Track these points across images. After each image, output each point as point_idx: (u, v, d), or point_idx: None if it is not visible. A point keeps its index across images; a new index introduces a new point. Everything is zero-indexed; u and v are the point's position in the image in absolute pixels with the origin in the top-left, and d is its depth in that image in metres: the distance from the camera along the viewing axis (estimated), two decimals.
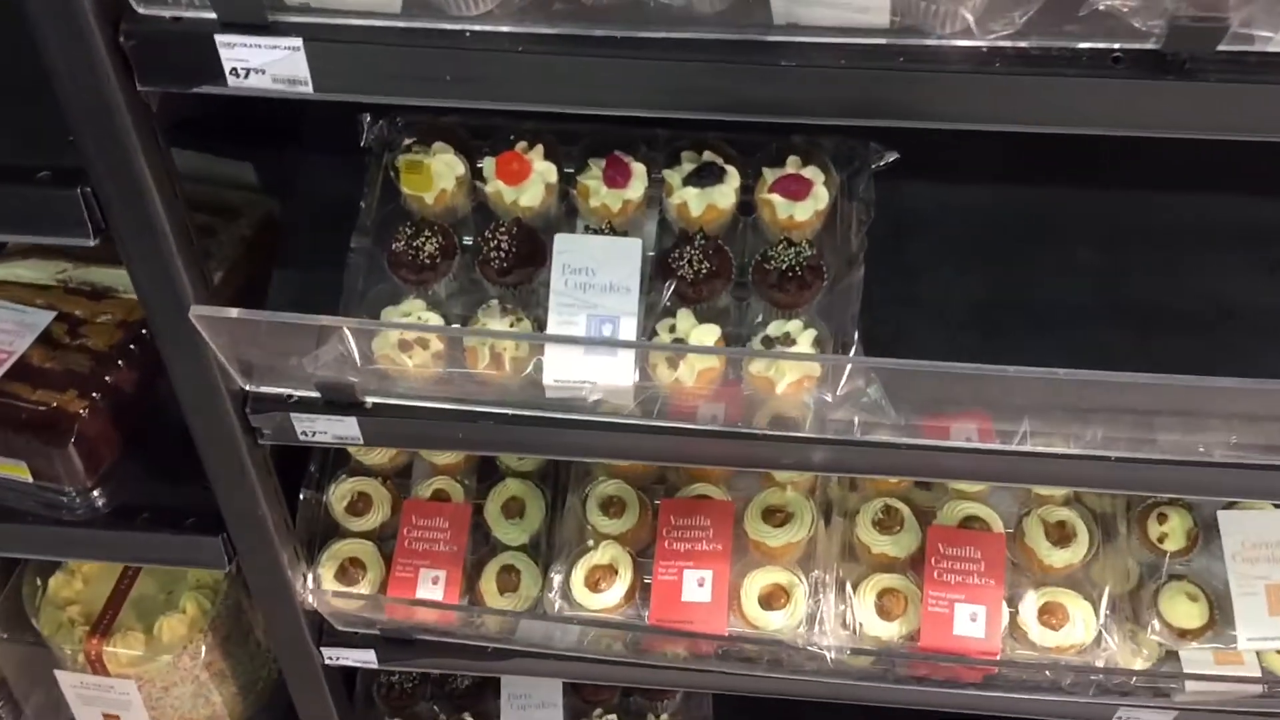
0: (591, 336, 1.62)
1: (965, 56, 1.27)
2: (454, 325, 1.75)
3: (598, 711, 2.43)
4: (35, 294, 2.14)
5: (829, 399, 1.62)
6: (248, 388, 1.76)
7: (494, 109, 1.42)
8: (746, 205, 1.78)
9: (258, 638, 2.51)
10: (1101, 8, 1.21)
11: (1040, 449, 1.65)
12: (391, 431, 1.79)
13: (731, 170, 1.76)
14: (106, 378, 2.02)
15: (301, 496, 2.16)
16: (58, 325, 2.08)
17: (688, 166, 1.77)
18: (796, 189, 1.73)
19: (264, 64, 1.36)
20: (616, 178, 1.76)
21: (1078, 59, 1.26)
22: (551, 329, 1.68)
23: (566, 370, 1.65)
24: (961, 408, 1.64)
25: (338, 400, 1.77)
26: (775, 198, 1.73)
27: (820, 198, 1.73)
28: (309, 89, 1.38)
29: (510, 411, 1.73)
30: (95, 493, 2.00)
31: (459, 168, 1.80)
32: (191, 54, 1.37)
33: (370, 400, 1.76)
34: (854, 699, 2.04)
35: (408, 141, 1.82)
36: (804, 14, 1.27)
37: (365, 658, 2.19)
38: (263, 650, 2.53)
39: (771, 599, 1.93)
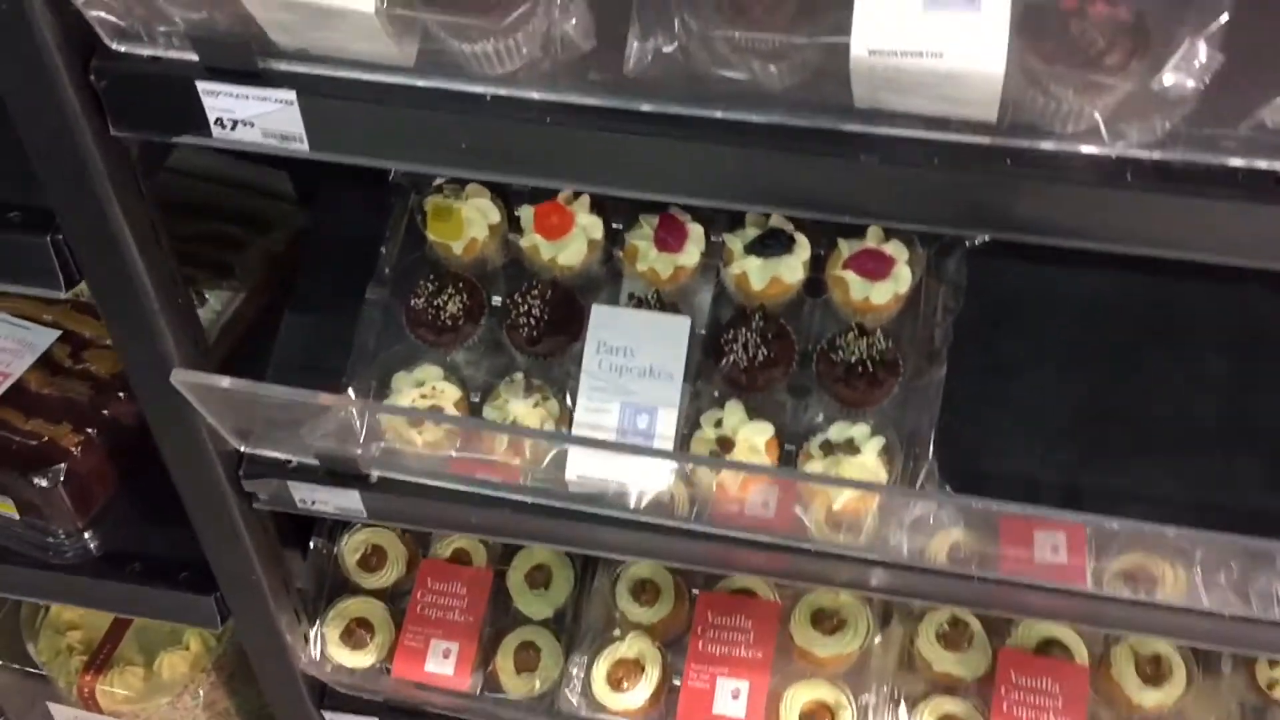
0: (621, 442, 1.40)
1: (1089, 165, 1.03)
2: (474, 395, 1.56)
3: None
4: (43, 308, 1.97)
5: (893, 522, 1.40)
6: (242, 449, 1.58)
7: None
8: (815, 282, 1.54)
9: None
10: (1270, 124, 0.96)
11: (1141, 598, 1.41)
12: (398, 510, 1.60)
13: (802, 239, 1.52)
14: (105, 410, 1.85)
15: (312, 545, 1.98)
16: (60, 347, 1.92)
17: (752, 232, 1.53)
18: (875, 267, 1.49)
19: (252, 116, 1.17)
20: (669, 239, 1.53)
21: (1232, 179, 1.01)
22: (580, 415, 1.47)
23: (592, 469, 1.44)
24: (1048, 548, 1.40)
25: (340, 471, 1.58)
26: (850, 275, 1.49)
27: (902, 279, 1.49)
28: (304, 147, 1.18)
29: (529, 500, 1.52)
30: (86, 535, 1.84)
31: (493, 215, 1.59)
32: (171, 99, 1.17)
33: (375, 474, 1.57)
34: None
35: (438, 181, 1.62)
36: (892, 101, 1.03)
37: None
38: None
39: (814, 718, 1.71)
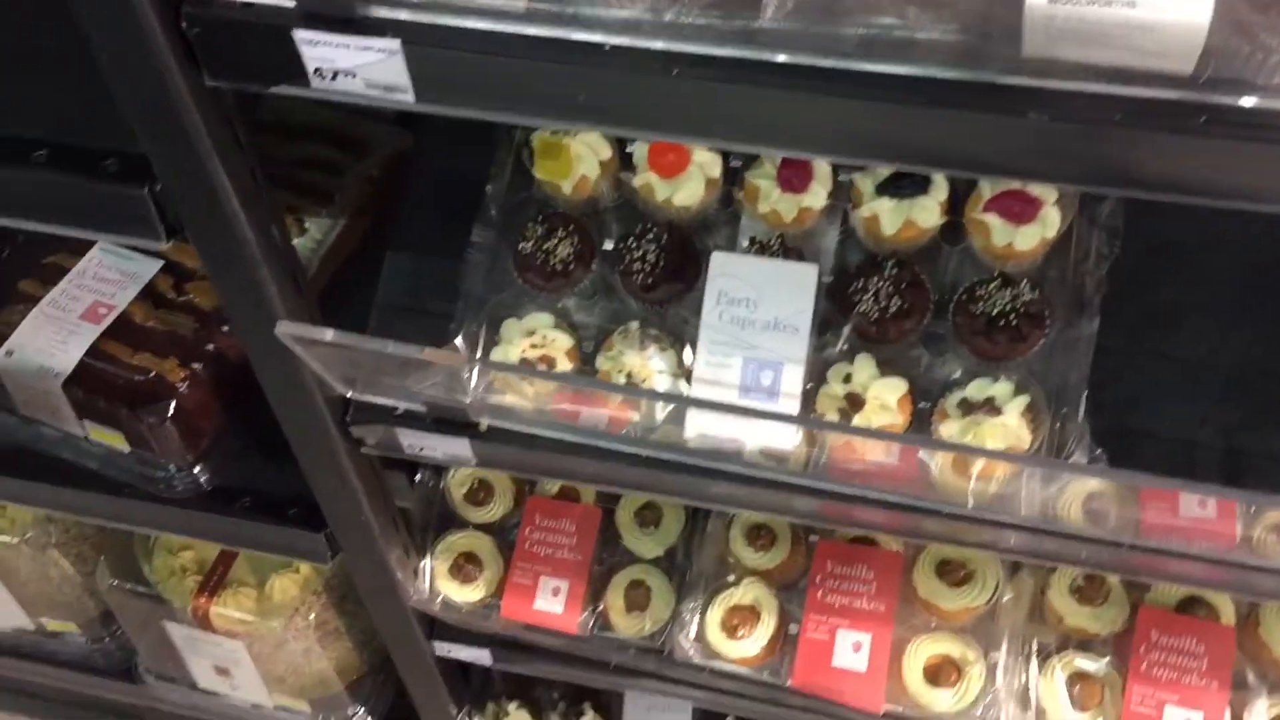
0: (743, 404, 1.32)
1: None
2: (586, 344, 1.48)
3: (730, 717, 2.21)
4: None
5: (1037, 489, 1.30)
6: (349, 395, 1.53)
7: None
8: (953, 226, 1.42)
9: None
10: None
11: None
12: (508, 459, 1.55)
13: (939, 179, 1.40)
14: (210, 344, 1.82)
15: (418, 478, 1.95)
16: (163, 278, 1.88)
17: (884, 171, 1.41)
18: (1021, 209, 1.37)
19: (354, 66, 1.08)
20: (794, 179, 1.42)
21: None
22: (700, 370, 1.39)
23: (712, 426, 1.36)
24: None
25: (448, 419, 1.52)
26: (992, 219, 1.37)
27: (1050, 222, 1.36)
28: (409, 98, 1.09)
29: (644, 453, 1.45)
30: (195, 469, 1.83)
31: (604, 151, 1.49)
32: (267, 48, 1.09)
33: (485, 423, 1.51)
34: None
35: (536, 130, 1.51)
36: (1068, 52, 0.90)
37: (479, 656, 2.01)
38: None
39: (939, 674, 1.64)
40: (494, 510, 1.95)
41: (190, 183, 1.22)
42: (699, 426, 1.36)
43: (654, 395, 1.35)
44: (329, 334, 1.34)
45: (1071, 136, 0.95)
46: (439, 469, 1.97)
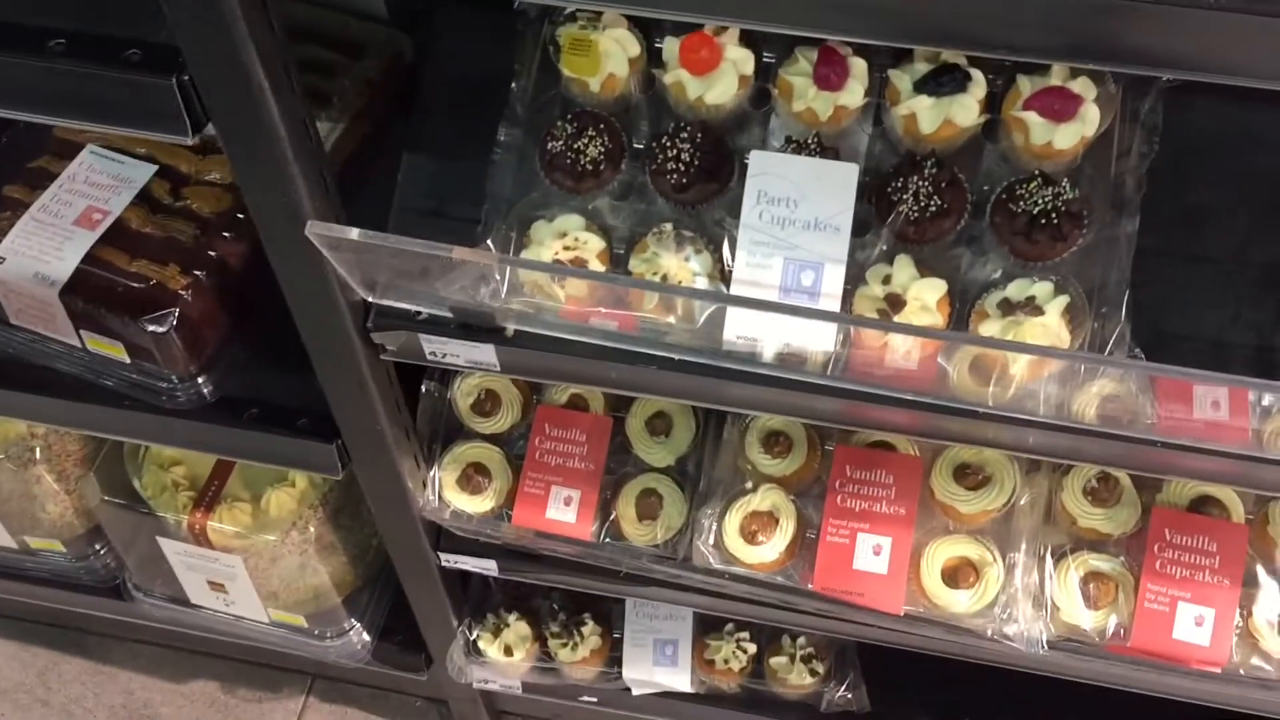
0: (788, 302, 1.30)
1: None
2: (618, 246, 1.46)
3: (729, 627, 2.23)
4: (135, 141, 1.86)
5: (1072, 389, 1.31)
6: (370, 299, 1.49)
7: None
8: (991, 124, 1.41)
9: (370, 506, 2.34)
10: None
11: None
12: (534, 364, 1.52)
13: (977, 75, 1.38)
14: (211, 251, 1.76)
15: (424, 388, 1.92)
16: (159, 183, 1.82)
17: (922, 67, 1.39)
18: (1061, 106, 1.36)
19: None
20: (830, 75, 1.40)
21: None
22: (739, 271, 1.37)
23: (753, 328, 1.35)
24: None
25: (474, 324, 1.50)
26: (1031, 116, 1.36)
27: (1090, 119, 1.36)
28: None
29: (675, 357, 1.44)
30: (199, 380, 1.78)
31: (633, 48, 1.46)
32: None
33: (512, 328, 1.49)
34: (1035, 667, 1.78)
35: (572, 8, 1.47)
36: None
37: (485, 566, 2.00)
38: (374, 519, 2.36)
39: (958, 575, 1.66)
40: (501, 421, 1.93)
41: (224, 73, 1.17)
42: (741, 328, 1.34)
43: (703, 294, 1.33)
44: (354, 233, 1.30)
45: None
46: (445, 380, 1.94)
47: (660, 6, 1.11)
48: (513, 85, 1.49)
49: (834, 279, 1.34)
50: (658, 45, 1.45)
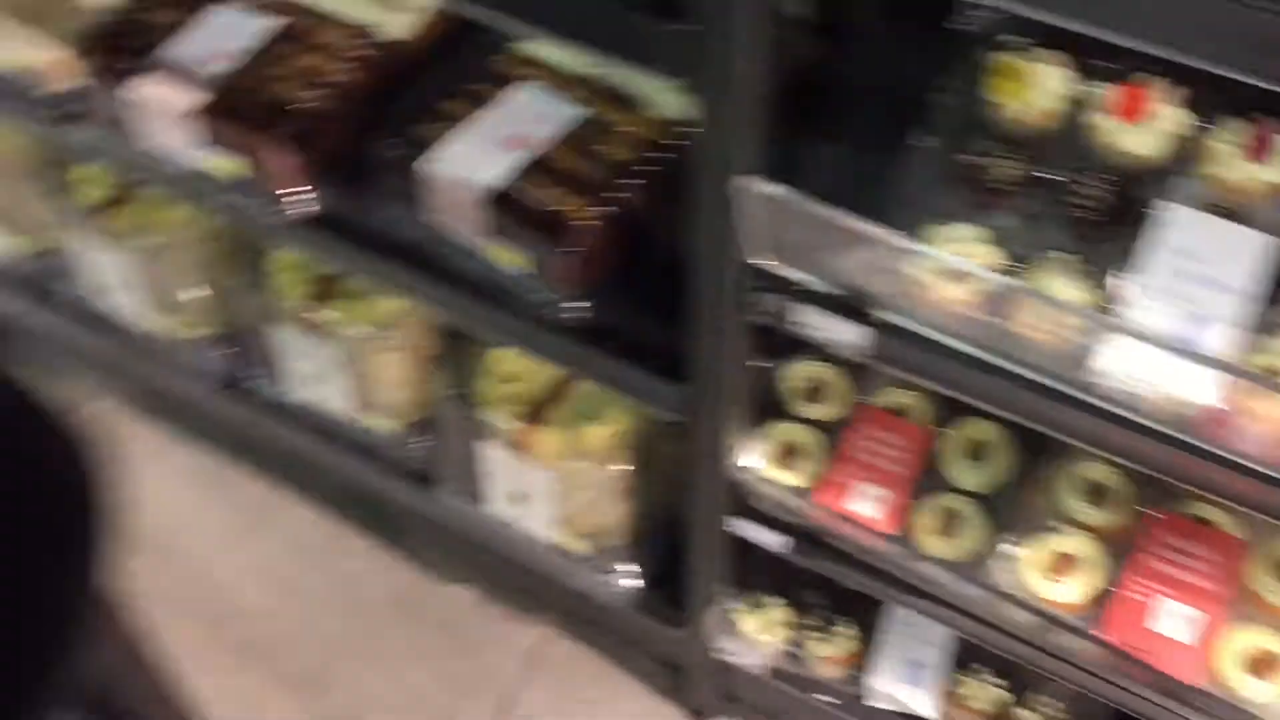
0: (1176, 338, 1.36)
1: None
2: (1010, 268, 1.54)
3: (976, 665, 2.26)
4: (569, 84, 2.09)
5: None
6: (750, 261, 1.63)
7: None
8: None
9: (685, 458, 2.48)
10: None
11: None
12: (901, 357, 1.62)
13: None
14: (615, 194, 1.96)
15: (757, 365, 2.05)
16: (584, 127, 2.03)
17: None
18: None
19: None
20: (1259, 149, 1.45)
21: None
22: (1128, 313, 1.43)
23: (1125, 364, 1.41)
24: None
25: (847, 304, 1.61)
26: None
27: None
28: None
29: (1058, 386, 1.50)
30: (578, 303, 1.98)
31: (1065, 86, 1.55)
32: None
33: (880, 316, 1.60)
34: None
35: (1011, 38, 1.58)
36: None
37: (777, 543, 2.11)
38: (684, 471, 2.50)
39: (1259, 665, 1.66)
40: (825, 411, 2.04)
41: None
42: (1111, 360, 1.40)
43: (1106, 321, 1.40)
44: (817, 209, 1.44)
45: None
46: (776, 360, 2.07)
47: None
48: (937, 97, 1.60)
49: (1227, 339, 1.38)
50: (1087, 87, 1.53)
